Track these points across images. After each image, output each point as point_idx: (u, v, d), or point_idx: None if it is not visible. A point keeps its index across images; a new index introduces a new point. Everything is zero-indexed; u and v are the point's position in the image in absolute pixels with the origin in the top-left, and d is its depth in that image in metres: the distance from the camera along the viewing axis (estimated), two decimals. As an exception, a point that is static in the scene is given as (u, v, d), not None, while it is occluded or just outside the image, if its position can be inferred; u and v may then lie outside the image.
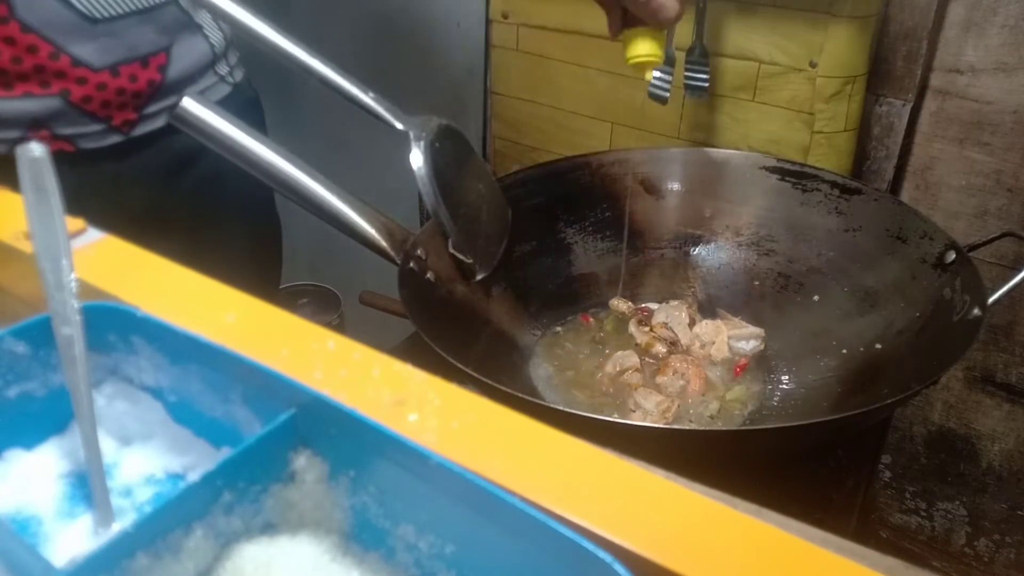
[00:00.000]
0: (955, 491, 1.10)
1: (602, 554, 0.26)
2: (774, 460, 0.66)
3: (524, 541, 0.28)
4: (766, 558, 0.28)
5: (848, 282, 0.78)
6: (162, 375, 0.37)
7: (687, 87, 0.90)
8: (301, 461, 0.33)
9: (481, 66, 1.15)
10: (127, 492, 0.37)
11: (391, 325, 0.86)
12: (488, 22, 1.09)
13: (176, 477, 0.37)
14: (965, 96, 0.90)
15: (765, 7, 0.87)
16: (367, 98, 0.68)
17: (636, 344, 0.79)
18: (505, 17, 1.05)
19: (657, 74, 0.90)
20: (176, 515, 0.30)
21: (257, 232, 0.91)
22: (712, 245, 0.86)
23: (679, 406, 0.72)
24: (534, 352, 0.80)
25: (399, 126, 0.68)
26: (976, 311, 0.64)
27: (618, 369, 0.76)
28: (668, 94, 0.90)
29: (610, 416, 0.70)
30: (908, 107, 0.90)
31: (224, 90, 0.81)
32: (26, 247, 0.42)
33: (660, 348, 0.78)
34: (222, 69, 0.80)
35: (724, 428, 0.70)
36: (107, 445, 0.38)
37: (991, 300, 0.64)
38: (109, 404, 0.38)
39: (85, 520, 0.35)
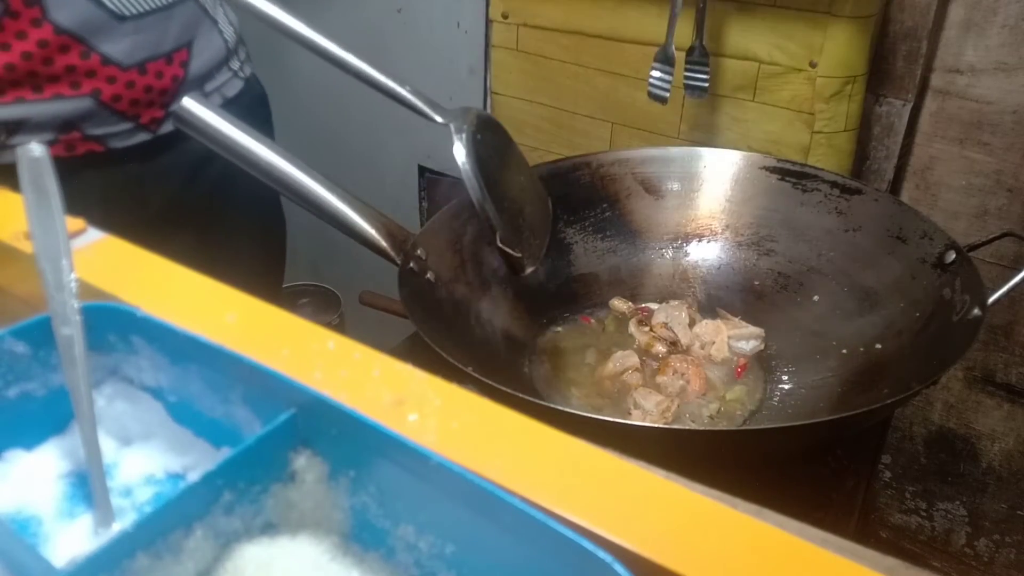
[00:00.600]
0: (955, 491, 1.10)
1: (602, 554, 0.26)
2: (774, 460, 0.66)
3: (524, 541, 0.28)
4: (766, 558, 0.28)
5: (848, 282, 0.78)
6: (162, 375, 0.37)
7: (687, 87, 0.90)
8: (301, 461, 0.33)
9: (481, 66, 1.15)
10: (127, 492, 0.37)
11: (391, 325, 0.86)
12: (488, 22, 1.09)
13: (176, 477, 0.37)
14: (965, 96, 0.90)
15: (765, 7, 0.87)
16: (404, 91, 0.67)
17: (636, 344, 0.79)
18: (505, 17, 1.04)
19: (657, 74, 0.90)
20: (176, 515, 0.30)
21: (265, 229, 0.92)
22: (712, 245, 0.86)
23: (679, 406, 0.72)
24: (534, 352, 0.80)
25: (439, 119, 0.67)
26: (976, 311, 0.64)
27: (618, 369, 0.76)
28: (668, 94, 0.90)
29: (610, 416, 0.70)
30: (908, 107, 0.90)
31: (238, 85, 0.82)
32: (26, 247, 0.42)
33: (660, 348, 0.78)
34: (235, 64, 0.81)
35: (724, 428, 0.70)
36: (107, 445, 0.38)
37: (991, 300, 0.64)
38: (109, 404, 0.38)
39: (85, 520, 0.35)
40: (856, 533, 0.77)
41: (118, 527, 0.34)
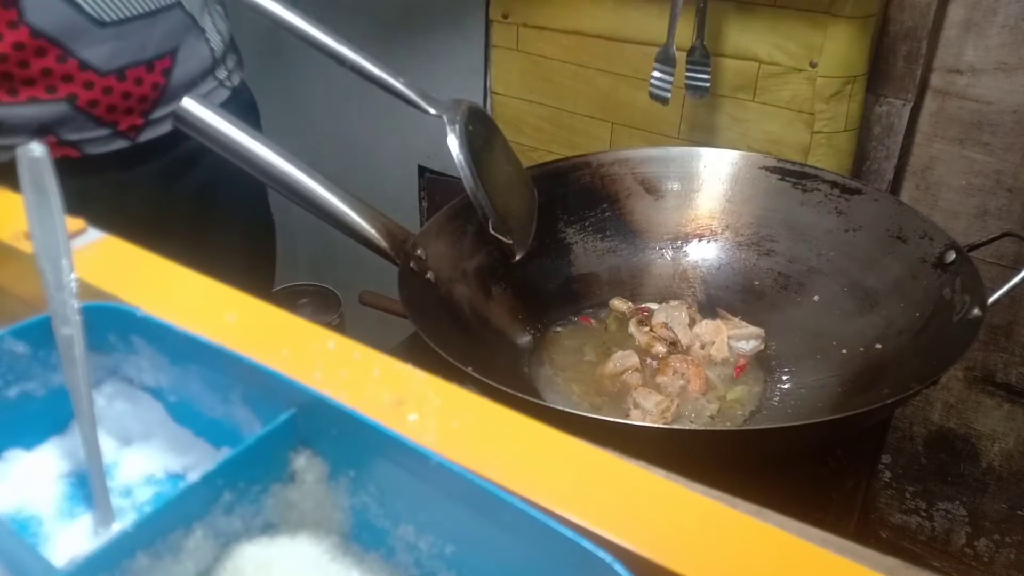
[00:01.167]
0: (955, 491, 1.10)
1: (602, 554, 0.26)
2: (774, 460, 0.66)
3: (524, 541, 0.28)
4: (766, 558, 0.28)
5: (848, 282, 0.78)
6: (162, 375, 0.37)
7: (687, 87, 0.90)
8: (301, 461, 0.33)
9: (481, 66, 1.15)
10: (127, 492, 0.37)
11: (391, 325, 0.86)
12: (488, 22, 1.09)
13: (176, 477, 0.37)
14: (965, 96, 0.90)
15: (765, 7, 0.87)
16: (398, 84, 0.68)
17: (636, 344, 0.79)
18: (505, 17, 1.04)
19: (657, 74, 0.90)
20: (176, 515, 0.30)
21: (253, 232, 0.91)
22: (712, 245, 0.86)
23: (678, 406, 0.72)
24: (534, 352, 0.80)
25: (432, 111, 0.69)
26: (976, 311, 0.64)
27: (618, 369, 0.76)
28: (668, 94, 0.90)
29: (610, 416, 0.70)
30: (908, 107, 0.90)
31: (223, 95, 0.81)
32: (26, 247, 0.42)
33: (660, 348, 0.78)
34: (221, 73, 0.80)
35: (724, 428, 0.70)
36: (107, 445, 0.38)
37: (991, 300, 0.64)
38: (109, 404, 0.38)
39: (85, 520, 0.35)
40: (856, 533, 0.77)
41: (118, 527, 0.34)
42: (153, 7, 0.70)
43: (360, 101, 1.29)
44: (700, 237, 0.86)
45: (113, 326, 0.37)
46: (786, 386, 0.74)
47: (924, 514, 1.14)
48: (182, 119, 0.64)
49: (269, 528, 0.34)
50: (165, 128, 0.75)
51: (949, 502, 1.11)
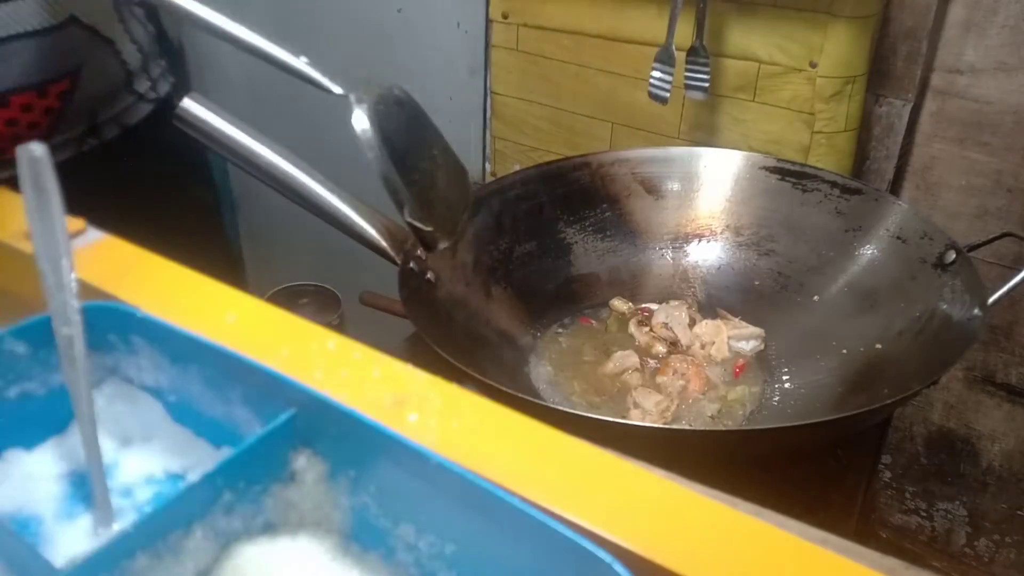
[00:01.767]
0: (955, 491, 1.10)
1: (602, 554, 0.26)
2: (774, 460, 0.66)
3: (524, 541, 0.28)
4: (766, 558, 0.28)
5: (848, 282, 0.78)
6: (162, 375, 0.37)
7: (687, 87, 0.90)
8: (301, 461, 0.33)
9: (481, 66, 1.15)
10: (127, 492, 0.37)
11: (391, 325, 0.86)
12: (488, 22, 1.09)
13: (176, 477, 0.37)
14: (965, 96, 0.90)
15: (765, 7, 0.87)
16: (299, 64, 0.61)
17: (636, 344, 0.79)
18: (505, 17, 1.04)
19: (657, 74, 0.90)
20: (176, 515, 0.30)
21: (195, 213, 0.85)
22: (712, 245, 0.86)
23: (678, 406, 0.72)
24: (534, 352, 0.80)
25: (337, 90, 0.61)
26: (976, 311, 0.64)
27: (618, 369, 0.76)
28: (668, 94, 0.90)
29: (609, 416, 0.70)
30: (908, 107, 0.90)
31: (144, 109, 0.75)
32: (26, 247, 0.42)
33: (660, 348, 0.78)
34: (141, 86, 0.74)
35: (724, 428, 0.70)
36: (107, 445, 0.38)
37: (991, 300, 0.64)
38: (109, 404, 0.38)
39: (85, 520, 0.35)
40: (856, 533, 0.77)
41: (118, 527, 0.34)
42: (39, 26, 0.63)
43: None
44: (700, 237, 0.86)
45: (113, 326, 0.37)
46: (786, 386, 0.74)
47: (924, 514, 1.14)
48: (182, 119, 0.64)
49: (269, 528, 0.34)
50: (67, 153, 0.69)
51: (949, 502, 1.11)
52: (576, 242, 0.86)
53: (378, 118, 0.62)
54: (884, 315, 0.73)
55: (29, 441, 0.38)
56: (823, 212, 0.81)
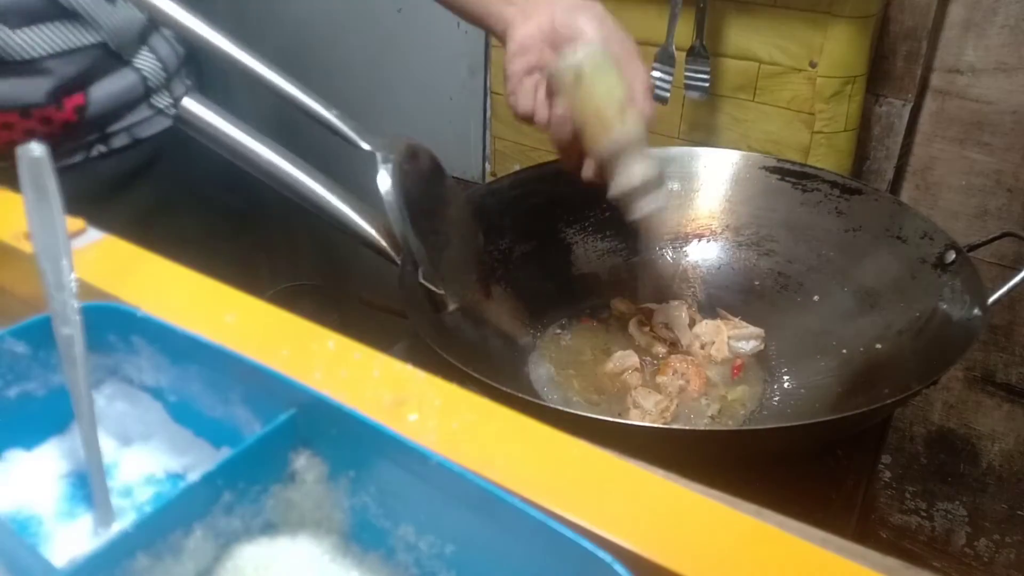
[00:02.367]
0: (955, 491, 1.10)
1: (602, 554, 0.26)
2: (774, 460, 0.66)
3: (524, 541, 0.28)
4: (766, 558, 0.28)
5: (848, 282, 0.78)
6: (162, 375, 0.37)
7: (687, 87, 0.90)
8: (301, 461, 0.33)
9: (481, 66, 1.15)
10: (127, 492, 0.37)
11: (391, 325, 0.86)
12: (488, 22, 1.09)
13: (176, 477, 0.37)
14: (965, 96, 0.90)
15: (765, 7, 0.87)
16: (330, 116, 0.63)
17: (636, 344, 0.79)
18: (505, 17, 1.04)
19: (657, 74, 0.90)
20: (176, 515, 0.30)
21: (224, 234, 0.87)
22: (712, 245, 0.86)
23: (678, 405, 0.72)
24: (534, 352, 0.80)
25: (365, 146, 0.64)
26: (976, 311, 0.64)
27: (618, 369, 0.76)
28: (668, 94, 0.90)
29: (609, 416, 0.70)
30: (908, 107, 0.90)
31: (162, 123, 0.77)
32: (26, 247, 0.42)
33: (660, 348, 0.78)
34: (160, 101, 0.77)
35: (724, 428, 0.70)
36: (107, 445, 0.38)
37: (991, 300, 0.64)
38: (109, 404, 0.38)
39: (85, 520, 0.35)
40: (856, 533, 0.77)
41: (118, 527, 0.34)
42: (66, 47, 0.67)
43: (361, 100, 1.29)
44: (700, 237, 0.86)
45: (113, 326, 0.37)
46: (786, 386, 0.74)
47: (924, 514, 1.14)
48: (182, 119, 0.64)
49: (269, 528, 0.34)
50: (78, 157, 0.72)
51: (949, 502, 1.11)
52: (576, 242, 0.86)
53: (401, 177, 0.64)
54: (884, 315, 0.73)
55: (29, 441, 0.38)
56: (823, 212, 0.81)
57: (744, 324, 0.79)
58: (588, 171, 0.65)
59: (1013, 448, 1.04)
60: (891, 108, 0.91)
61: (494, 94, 1.12)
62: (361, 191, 0.71)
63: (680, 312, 0.80)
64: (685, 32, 0.88)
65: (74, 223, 0.45)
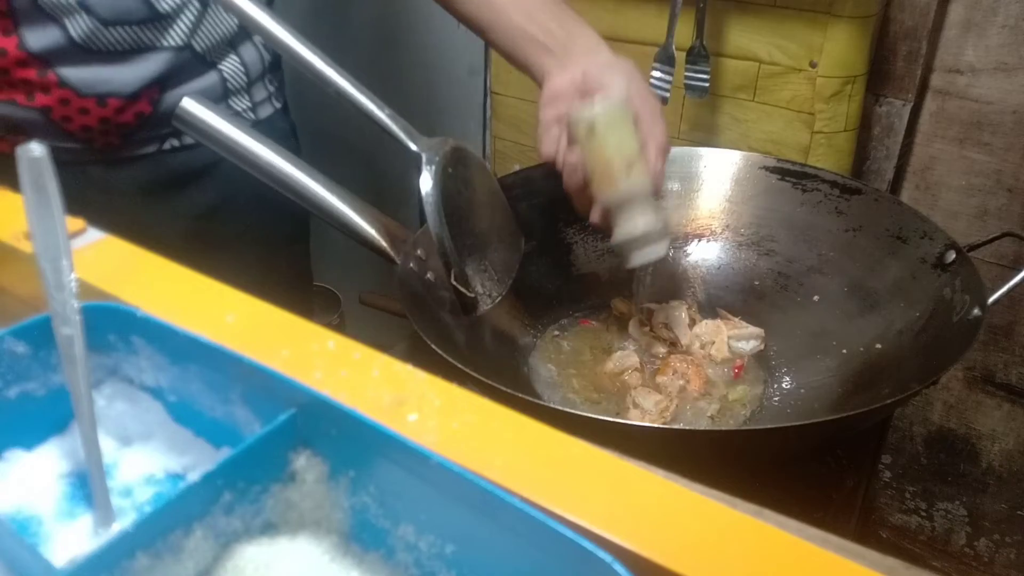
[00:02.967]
0: (955, 491, 1.10)
1: (602, 554, 0.26)
2: (774, 460, 0.66)
3: (524, 541, 0.28)
4: (766, 558, 0.28)
5: (848, 282, 0.78)
6: (162, 375, 0.37)
7: (687, 87, 0.90)
8: (301, 461, 0.33)
9: (481, 66, 1.15)
10: (127, 492, 0.37)
11: (391, 325, 0.86)
12: (488, 22, 1.09)
13: (176, 477, 0.37)
14: (965, 96, 0.90)
15: (765, 7, 0.87)
16: (383, 115, 0.66)
17: (636, 344, 0.79)
18: (505, 17, 1.04)
19: (657, 74, 0.90)
20: (176, 515, 0.30)
21: (272, 253, 0.88)
22: (712, 245, 0.86)
23: (677, 405, 0.72)
24: (534, 352, 0.80)
25: (413, 147, 0.67)
26: (976, 311, 0.64)
27: (618, 369, 0.76)
28: (668, 94, 0.90)
29: (609, 416, 0.70)
30: (908, 107, 0.90)
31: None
32: (26, 247, 0.42)
33: (660, 348, 0.78)
34: (239, 104, 0.77)
35: (724, 428, 0.70)
36: (107, 445, 0.38)
37: (991, 300, 0.64)
38: (109, 404, 0.38)
39: (85, 520, 0.35)
40: (856, 533, 0.77)
41: (118, 527, 0.34)
42: (154, 45, 0.69)
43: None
44: (700, 237, 0.86)
45: (113, 326, 0.37)
46: (786, 386, 0.74)
47: (924, 514, 1.14)
48: (181, 119, 0.64)
49: (269, 528, 0.34)
50: (150, 148, 0.73)
51: (949, 502, 1.11)
52: (576, 242, 0.86)
53: (444, 180, 0.66)
54: (884, 315, 0.73)
55: (29, 441, 0.38)
56: (823, 212, 0.81)
57: (744, 324, 0.79)
58: (595, 216, 0.68)
59: (1013, 448, 1.04)
60: (891, 108, 0.91)
61: (494, 94, 1.12)
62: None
63: (680, 312, 0.80)
64: (685, 32, 0.88)
65: (74, 223, 0.45)
